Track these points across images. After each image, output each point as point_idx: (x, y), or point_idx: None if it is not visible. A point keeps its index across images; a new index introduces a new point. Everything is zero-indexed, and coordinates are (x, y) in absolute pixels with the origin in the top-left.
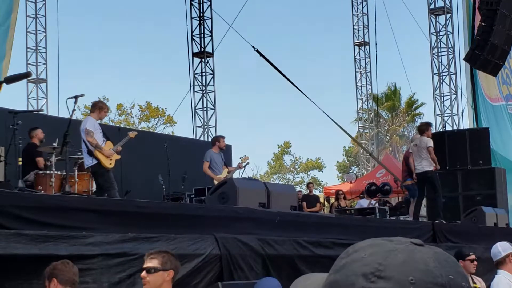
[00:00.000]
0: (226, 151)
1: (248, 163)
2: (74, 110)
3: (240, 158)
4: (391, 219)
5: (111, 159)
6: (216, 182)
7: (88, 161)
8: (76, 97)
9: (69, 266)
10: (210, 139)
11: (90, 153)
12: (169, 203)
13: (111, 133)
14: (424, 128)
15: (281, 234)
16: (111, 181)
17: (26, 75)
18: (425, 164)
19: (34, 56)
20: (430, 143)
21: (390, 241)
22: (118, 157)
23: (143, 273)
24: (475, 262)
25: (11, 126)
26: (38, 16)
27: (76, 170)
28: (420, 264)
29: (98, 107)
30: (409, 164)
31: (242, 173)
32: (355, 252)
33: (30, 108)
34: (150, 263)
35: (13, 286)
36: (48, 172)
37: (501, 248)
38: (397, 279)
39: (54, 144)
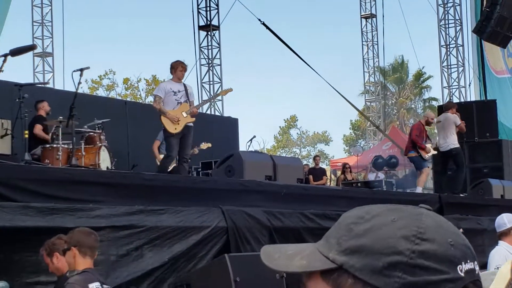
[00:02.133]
0: (233, 125)
1: (208, 147)
2: (79, 83)
3: (202, 144)
4: (398, 191)
5: (177, 123)
6: (157, 162)
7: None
8: (81, 70)
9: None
10: (216, 113)
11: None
12: (175, 176)
13: (117, 106)
14: (450, 105)
15: (288, 206)
16: (171, 148)
17: (31, 47)
18: (451, 141)
19: (40, 30)
20: (458, 119)
21: (405, 206)
22: (192, 120)
23: None
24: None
25: (17, 100)
26: None
27: (83, 144)
28: (450, 227)
29: (172, 67)
30: (412, 137)
31: (249, 147)
32: (377, 216)
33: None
34: None
35: (21, 258)
36: (54, 145)
37: (507, 220)
38: (439, 241)
39: (60, 117)
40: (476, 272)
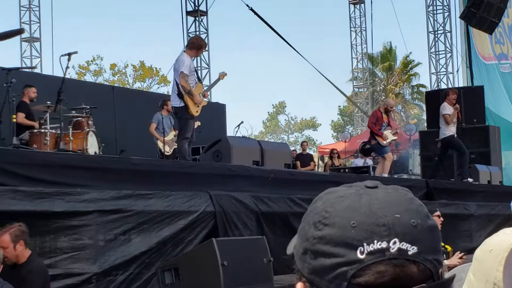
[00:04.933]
0: (221, 111)
1: (198, 125)
2: (67, 67)
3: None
4: (385, 176)
5: (198, 106)
6: (159, 144)
7: (175, 102)
8: (69, 54)
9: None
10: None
11: (180, 95)
12: (163, 160)
13: (105, 92)
14: (446, 93)
15: (275, 191)
16: (189, 129)
17: (18, 31)
18: (442, 131)
19: (28, 15)
20: (445, 110)
21: (349, 187)
22: (205, 103)
23: None
24: (441, 218)
25: (4, 84)
26: None
27: (71, 129)
28: (363, 207)
29: (197, 45)
30: (368, 124)
31: (236, 132)
32: (315, 202)
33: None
34: None
35: None
36: (42, 130)
37: None
38: (340, 224)
39: (48, 102)
40: (392, 250)
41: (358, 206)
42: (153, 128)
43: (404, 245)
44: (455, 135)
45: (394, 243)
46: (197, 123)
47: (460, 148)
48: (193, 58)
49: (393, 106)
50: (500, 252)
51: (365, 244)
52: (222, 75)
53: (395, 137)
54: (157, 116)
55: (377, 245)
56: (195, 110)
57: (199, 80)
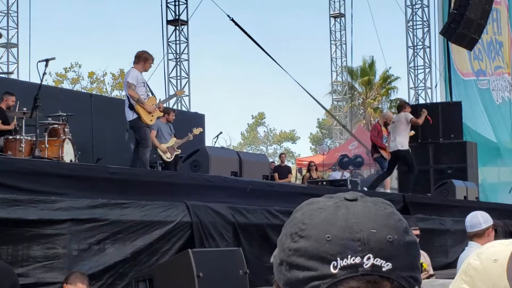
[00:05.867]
0: (199, 121)
1: (200, 132)
2: (44, 73)
3: (193, 129)
4: (364, 189)
5: (152, 115)
6: (160, 152)
7: (129, 115)
8: (47, 60)
9: None
10: (183, 108)
11: (131, 107)
12: (140, 169)
13: (82, 99)
14: (402, 105)
15: (253, 203)
16: (147, 138)
17: None
18: (399, 142)
19: (5, 20)
20: (409, 115)
21: (330, 198)
22: (161, 114)
23: None
24: (418, 233)
25: None
26: None
27: (46, 136)
28: (340, 220)
29: (143, 58)
30: (371, 138)
31: (215, 143)
32: (296, 212)
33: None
34: None
35: None
36: (18, 137)
37: (482, 219)
38: (315, 237)
39: (24, 108)
40: (366, 266)
41: (335, 220)
42: (153, 136)
43: (378, 261)
44: (410, 150)
45: (368, 258)
46: (199, 130)
47: (413, 166)
48: (142, 71)
49: (391, 119)
50: (506, 261)
51: (338, 258)
52: (180, 92)
53: None
54: (156, 123)
55: (351, 260)
56: (148, 119)
57: (152, 93)
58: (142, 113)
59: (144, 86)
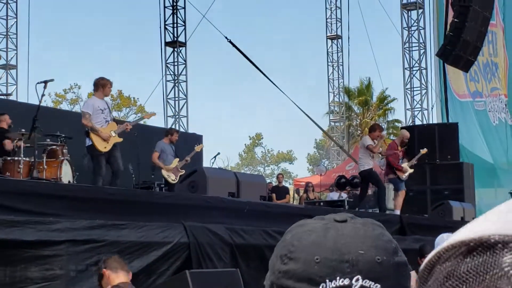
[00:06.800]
0: (197, 142)
1: (202, 148)
2: (43, 95)
3: (195, 146)
4: (360, 211)
5: (107, 142)
6: (164, 173)
7: (86, 141)
8: (45, 82)
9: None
10: (181, 129)
11: (87, 134)
12: (138, 190)
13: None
14: (372, 128)
15: (250, 223)
16: (100, 165)
17: None
18: (361, 164)
19: (5, 42)
20: (367, 141)
21: (320, 220)
22: (120, 140)
23: None
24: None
25: None
26: (9, 1)
27: (45, 157)
28: (329, 242)
29: (101, 85)
30: (388, 159)
31: (213, 163)
32: (286, 234)
33: None
34: None
35: None
36: (16, 158)
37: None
38: (304, 259)
39: (22, 130)
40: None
41: (323, 241)
42: (155, 157)
43: (367, 283)
44: (373, 169)
45: (357, 280)
46: (200, 146)
47: (378, 182)
48: (103, 97)
49: (408, 137)
50: None
51: (327, 280)
52: (148, 115)
53: (412, 170)
54: (160, 144)
55: (340, 281)
56: (102, 146)
57: (113, 119)
58: (95, 140)
59: (102, 112)
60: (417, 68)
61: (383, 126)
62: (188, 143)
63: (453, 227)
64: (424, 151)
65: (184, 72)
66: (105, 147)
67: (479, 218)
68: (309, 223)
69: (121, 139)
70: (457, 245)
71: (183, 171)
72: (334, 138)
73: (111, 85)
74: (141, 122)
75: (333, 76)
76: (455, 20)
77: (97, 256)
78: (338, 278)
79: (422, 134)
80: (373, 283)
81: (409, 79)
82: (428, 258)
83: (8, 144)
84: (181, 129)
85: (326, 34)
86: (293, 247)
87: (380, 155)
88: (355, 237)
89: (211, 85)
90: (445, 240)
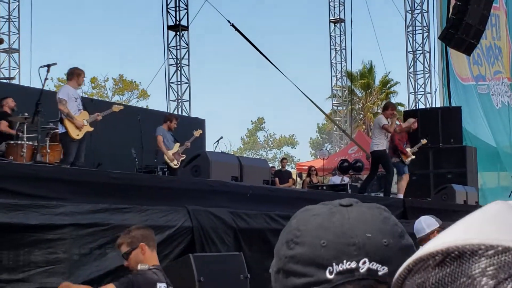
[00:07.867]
0: (200, 126)
1: (200, 133)
2: (46, 79)
3: (194, 131)
4: (363, 194)
5: (80, 130)
6: (167, 159)
7: (60, 128)
8: (48, 66)
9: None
10: (184, 113)
11: (61, 121)
12: (142, 174)
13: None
14: (385, 106)
15: (253, 207)
16: (69, 152)
17: None
18: (374, 143)
19: (7, 26)
20: (383, 121)
21: (325, 205)
22: (91, 129)
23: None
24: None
25: None
26: None
27: (48, 141)
28: (334, 226)
29: (76, 74)
30: (395, 142)
31: (215, 148)
32: (291, 219)
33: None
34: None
35: None
36: (19, 142)
37: (425, 224)
38: (310, 243)
39: (25, 114)
40: (362, 271)
41: (329, 225)
42: (160, 141)
43: (374, 265)
44: (387, 151)
45: (364, 263)
46: (199, 132)
47: (389, 166)
48: (77, 86)
49: (415, 122)
50: None
51: (334, 264)
52: (116, 108)
53: (414, 156)
54: (161, 129)
55: (346, 265)
56: (75, 134)
57: (85, 108)
58: (69, 127)
59: (76, 101)
60: (421, 51)
61: None
62: (191, 128)
63: (456, 210)
64: (424, 141)
65: (186, 56)
66: (77, 135)
67: (449, 228)
68: (315, 208)
69: (92, 128)
70: (425, 257)
71: (184, 156)
72: (337, 122)
73: (85, 75)
74: (109, 112)
75: (336, 60)
76: (458, 3)
77: (100, 240)
78: (345, 261)
79: (425, 118)
80: (380, 265)
81: (412, 63)
82: (399, 272)
83: (4, 126)
84: (184, 113)
85: (329, 17)
86: (299, 232)
87: (397, 130)
88: (361, 220)
89: (213, 69)
90: (422, 223)
